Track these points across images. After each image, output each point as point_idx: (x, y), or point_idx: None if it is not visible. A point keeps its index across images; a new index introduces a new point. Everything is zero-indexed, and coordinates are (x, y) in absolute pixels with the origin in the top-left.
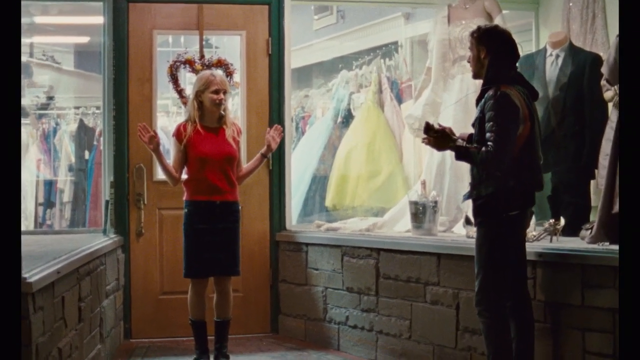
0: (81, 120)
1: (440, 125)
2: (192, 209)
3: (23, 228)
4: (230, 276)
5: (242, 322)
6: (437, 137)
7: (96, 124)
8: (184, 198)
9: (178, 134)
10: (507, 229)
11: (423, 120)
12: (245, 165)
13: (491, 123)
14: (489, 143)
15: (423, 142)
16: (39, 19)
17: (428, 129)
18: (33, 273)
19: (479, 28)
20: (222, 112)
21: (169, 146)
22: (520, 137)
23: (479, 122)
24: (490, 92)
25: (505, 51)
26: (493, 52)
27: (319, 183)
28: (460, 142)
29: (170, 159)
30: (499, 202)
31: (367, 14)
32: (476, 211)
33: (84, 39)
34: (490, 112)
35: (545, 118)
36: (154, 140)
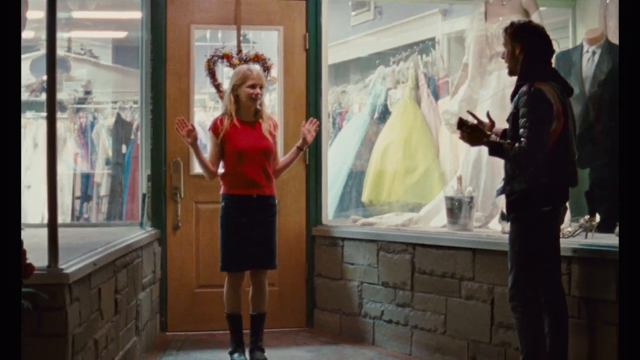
0: (118, 115)
1: (487, 116)
2: (229, 202)
3: (60, 221)
4: (267, 270)
5: (278, 316)
6: (471, 133)
7: (133, 118)
8: (221, 192)
9: (215, 128)
10: (540, 225)
11: (460, 116)
12: (281, 159)
13: (524, 119)
14: (522, 139)
15: (459, 137)
16: (77, 14)
17: (461, 124)
18: (70, 264)
19: (512, 24)
20: (259, 107)
21: (205, 141)
22: (554, 133)
23: (513, 118)
24: (524, 88)
25: (539, 47)
26: (527, 48)
27: (355, 178)
28: (494, 138)
29: (207, 153)
30: (532, 198)
31: (404, 10)
32: (509, 207)
33: (121, 34)
34: (524, 108)
35: (582, 114)
36: (192, 134)
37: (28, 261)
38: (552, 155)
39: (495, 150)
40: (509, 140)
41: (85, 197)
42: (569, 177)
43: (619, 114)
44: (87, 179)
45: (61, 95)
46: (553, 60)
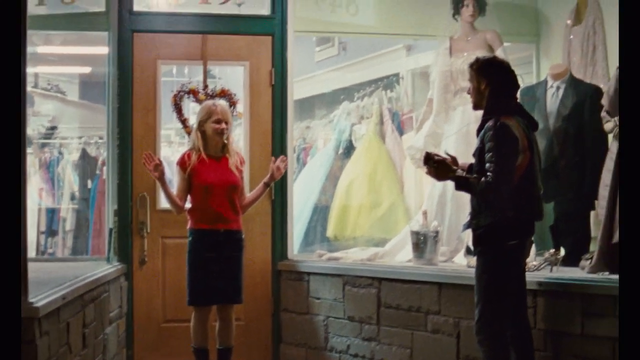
0: (84, 150)
1: (447, 154)
2: (197, 237)
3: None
4: (234, 304)
5: (244, 351)
6: (437, 168)
7: (99, 153)
8: (188, 227)
9: (182, 163)
10: (507, 259)
11: (424, 151)
12: (248, 194)
13: (490, 154)
14: (488, 173)
15: (426, 172)
16: (42, 49)
17: (428, 158)
18: (39, 298)
19: (477, 60)
20: (225, 141)
21: (170, 176)
22: (520, 168)
23: (479, 153)
24: (490, 123)
25: (504, 82)
26: (493, 83)
27: (320, 213)
28: (460, 172)
29: (174, 188)
30: (498, 232)
31: (368, 45)
32: (476, 241)
33: (87, 69)
34: (490, 142)
35: (546, 149)
36: (159, 169)
37: None
38: (518, 190)
39: (461, 184)
40: (475, 175)
41: (50, 231)
42: (535, 211)
43: (619, 143)
44: (52, 213)
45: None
46: (518, 95)
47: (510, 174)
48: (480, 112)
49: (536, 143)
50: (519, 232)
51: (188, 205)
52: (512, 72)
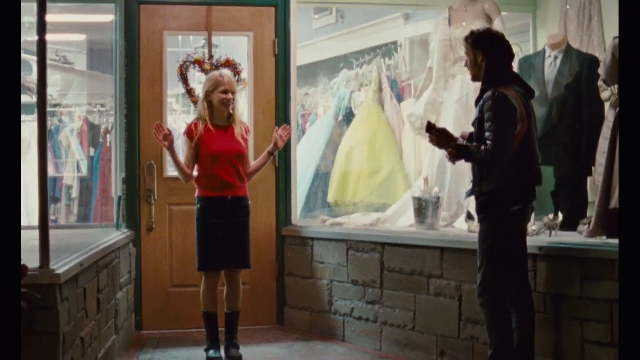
0: (87, 118)
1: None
2: (205, 204)
3: (25, 223)
4: (241, 269)
5: (250, 314)
6: (439, 136)
7: (101, 122)
8: (196, 195)
9: (189, 133)
10: (510, 224)
11: (425, 118)
12: (252, 162)
13: (490, 123)
14: (487, 142)
15: (428, 140)
16: (49, 17)
17: (430, 127)
18: (60, 265)
19: (472, 32)
20: (231, 111)
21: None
22: (519, 136)
23: (478, 123)
24: (489, 93)
25: (500, 53)
26: (489, 54)
27: (321, 180)
28: (460, 141)
29: (182, 157)
30: (500, 199)
31: (366, 14)
32: (479, 208)
33: (95, 37)
34: (489, 112)
35: (545, 117)
36: (169, 138)
37: (22, 262)
38: (518, 157)
39: (462, 153)
40: (475, 144)
41: (53, 199)
42: (535, 178)
43: (618, 112)
44: (54, 182)
45: (28, 99)
46: (516, 65)
47: (508, 142)
48: (479, 83)
49: (533, 111)
50: (521, 198)
51: (195, 173)
52: (507, 42)
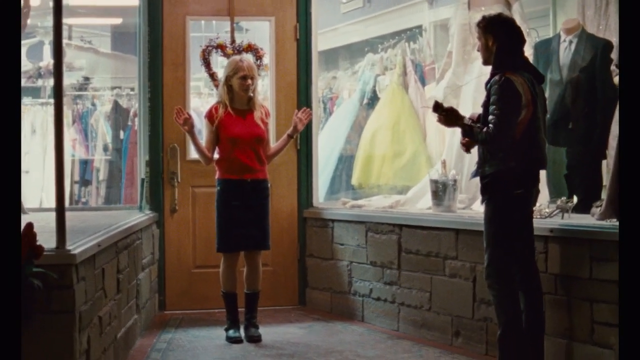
0: (116, 102)
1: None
2: (225, 186)
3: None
4: (261, 250)
5: (271, 295)
6: (447, 115)
7: (130, 105)
8: (217, 177)
9: (210, 116)
10: (512, 206)
11: (445, 102)
12: (273, 145)
13: (494, 106)
14: (489, 125)
15: (437, 119)
16: (74, 1)
17: (437, 107)
18: (76, 246)
19: (484, 17)
20: (251, 95)
21: (200, 126)
22: (523, 121)
23: (485, 105)
24: (496, 78)
25: (510, 38)
26: (500, 39)
27: (345, 162)
28: (467, 121)
29: (203, 140)
30: (503, 181)
31: None
32: (482, 189)
33: (118, 21)
34: (494, 96)
35: (559, 99)
36: (189, 122)
37: (38, 243)
38: (521, 142)
39: (467, 132)
40: (479, 124)
41: (83, 182)
42: (538, 162)
43: (619, 97)
44: (85, 164)
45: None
46: (531, 49)
47: (509, 126)
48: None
49: (542, 95)
50: (523, 182)
51: (216, 156)
52: (518, 28)
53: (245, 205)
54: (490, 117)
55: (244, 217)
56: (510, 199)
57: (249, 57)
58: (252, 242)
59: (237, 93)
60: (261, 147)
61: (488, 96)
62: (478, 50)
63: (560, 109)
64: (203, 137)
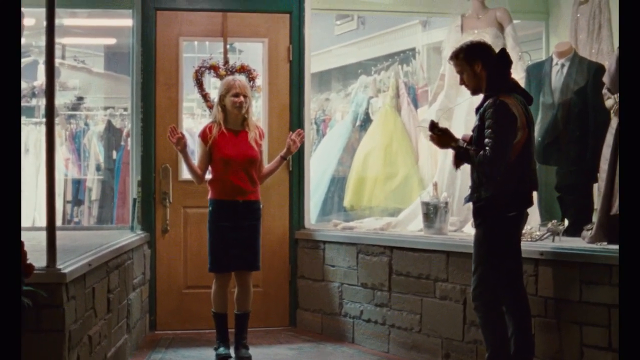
0: (109, 121)
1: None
2: (216, 207)
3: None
4: (251, 271)
5: (262, 316)
6: (441, 136)
7: (123, 125)
8: (209, 197)
9: (204, 136)
10: (505, 229)
11: (430, 119)
12: (266, 166)
13: (490, 130)
14: (486, 148)
15: (429, 139)
16: (68, 21)
17: (433, 126)
18: (67, 265)
19: (461, 48)
20: (245, 115)
21: (193, 147)
22: (518, 144)
23: (478, 130)
24: (490, 101)
25: (498, 60)
26: (488, 62)
27: (337, 184)
28: (461, 143)
29: (196, 159)
30: (498, 204)
31: (386, 21)
32: (476, 212)
33: (112, 41)
34: (490, 119)
35: (551, 123)
36: (181, 142)
37: (28, 262)
38: (516, 164)
39: (461, 155)
40: (474, 147)
41: (76, 201)
42: (532, 184)
43: (619, 118)
44: (77, 184)
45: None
46: (523, 72)
47: (506, 149)
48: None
49: (532, 119)
50: (518, 204)
51: (209, 176)
52: (502, 50)
53: (236, 226)
54: (487, 140)
55: (235, 238)
56: (504, 222)
57: (242, 78)
58: (242, 262)
59: (231, 112)
60: (254, 169)
61: (481, 120)
62: (462, 84)
63: (551, 132)
64: (196, 156)
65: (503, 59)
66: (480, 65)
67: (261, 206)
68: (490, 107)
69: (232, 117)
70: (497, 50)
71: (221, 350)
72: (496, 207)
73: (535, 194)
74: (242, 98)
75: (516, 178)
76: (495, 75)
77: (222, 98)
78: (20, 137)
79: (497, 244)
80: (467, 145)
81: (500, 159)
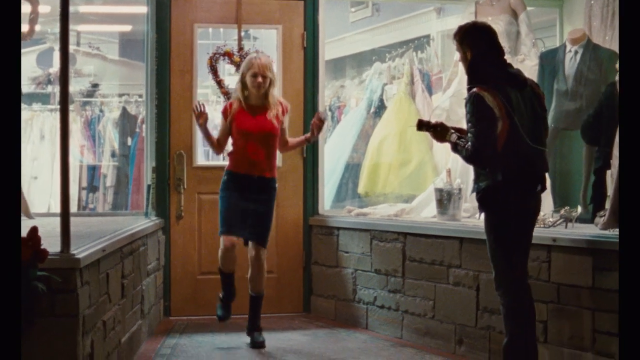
0: (124, 108)
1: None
2: (230, 177)
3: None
4: (259, 245)
5: (276, 302)
6: (436, 131)
7: (138, 112)
8: (226, 167)
9: (224, 111)
10: (508, 217)
11: (450, 111)
12: (292, 139)
13: (469, 124)
14: (468, 143)
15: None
16: (83, 8)
17: (421, 125)
18: (81, 250)
19: (459, 28)
20: (267, 93)
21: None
22: (501, 134)
23: (467, 122)
24: (467, 95)
25: (486, 46)
26: (475, 49)
27: (352, 170)
28: (454, 137)
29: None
30: (493, 194)
31: (400, 8)
32: (478, 203)
33: (127, 28)
34: (468, 114)
35: (566, 110)
36: (203, 116)
37: (42, 247)
38: (504, 153)
39: (454, 148)
40: (464, 139)
41: (91, 188)
42: (526, 171)
43: (619, 105)
44: (93, 170)
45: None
46: (537, 59)
47: (486, 142)
48: None
49: (524, 102)
50: (514, 192)
51: (230, 148)
52: (492, 34)
53: (247, 198)
54: (468, 134)
55: (245, 207)
56: (506, 210)
57: (266, 55)
58: (249, 232)
59: (249, 90)
60: (272, 144)
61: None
62: (459, 60)
63: (566, 119)
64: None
65: (491, 45)
66: (469, 51)
67: (276, 185)
68: (467, 101)
69: (252, 93)
70: (510, 37)
71: (219, 312)
72: (493, 197)
73: (548, 181)
74: (260, 79)
75: (504, 168)
76: (476, 63)
77: (243, 75)
78: (20, 127)
79: (502, 232)
80: (463, 137)
81: (482, 151)
